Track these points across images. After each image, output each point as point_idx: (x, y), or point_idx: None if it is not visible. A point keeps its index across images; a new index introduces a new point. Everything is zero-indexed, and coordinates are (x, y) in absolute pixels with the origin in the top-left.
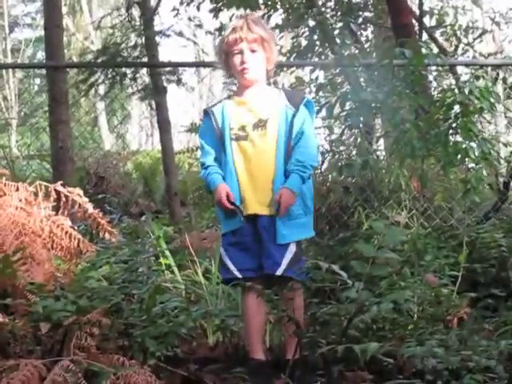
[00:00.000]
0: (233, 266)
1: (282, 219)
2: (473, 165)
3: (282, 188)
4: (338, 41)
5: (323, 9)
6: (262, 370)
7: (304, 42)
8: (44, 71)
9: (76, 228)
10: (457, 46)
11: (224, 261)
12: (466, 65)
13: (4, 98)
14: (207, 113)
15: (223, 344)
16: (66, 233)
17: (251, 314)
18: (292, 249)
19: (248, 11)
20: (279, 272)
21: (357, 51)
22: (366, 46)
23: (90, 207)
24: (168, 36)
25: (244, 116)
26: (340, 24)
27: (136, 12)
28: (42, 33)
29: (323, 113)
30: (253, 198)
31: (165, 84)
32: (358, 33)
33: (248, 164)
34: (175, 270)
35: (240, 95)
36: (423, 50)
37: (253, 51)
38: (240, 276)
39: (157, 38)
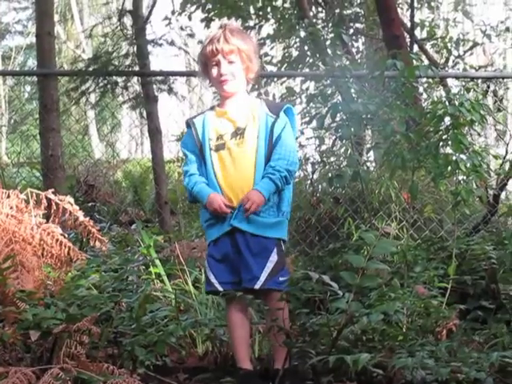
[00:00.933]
0: (214, 278)
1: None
2: (463, 177)
3: (251, 190)
4: (329, 52)
5: (314, 20)
6: (251, 380)
7: (295, 53)
8: (35, 79)
9: (66, 236)
10: (447, 59)
11: (207, 273)
12: (457, 77)
13: None
14: (188, 124)
15: (212, 353)
16: (57, 240)
17: (235, 327)
18: (273, 258)
19: (239, 21)
20: (257, 286)
21: (348, 62)
22: (357, 57)
23: (80, 215)
24: (160, 45)
25: (223, 126)
26: (331, 35)
27: (128, 21)
28: (33, 40)
29: (314, 123)
30: (234, 205)
31: (156, 93)
32: (350, 44)
33: (226, 173)
34: (165, 279)
35: (221, 106)
36: (414, 62)
37: (230, 62)
38: (221, 289)
39: (148, 47)
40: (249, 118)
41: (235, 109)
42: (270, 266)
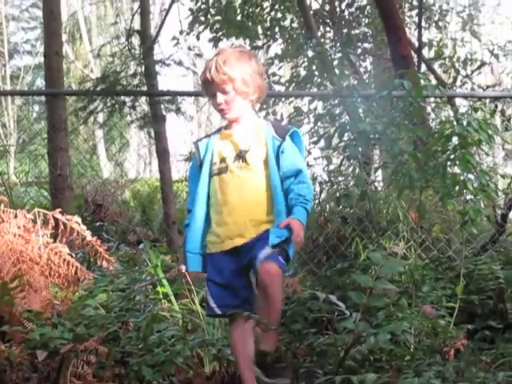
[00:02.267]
0: (213, 302)
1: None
2: (471, 196)
3: (290, 218)
4: (336, 71)
5: (322, 39)
6: None
7: (303, 73)
8: (43, 98)
9: (74, 255)
10: (455, 78)
11: (206, 297)
12: (465, 97)
13: (3, 125)
14: (194, 146)
15: (220, 373)
16: (64, 260)
17: (239, 349)
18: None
19: (247, 41)
20: (262, 256)
21: (355, 82)
22: (364, 76)
23: (88, 235)
24: (167, 65)
25: (226, 149)
26: (339, 55)
27: (136, 41)
28: (42, 60)
29: (322, 143)
30: (234, 231)
31: (164, 113)
32: (357, 64)
33: (228, 197)
34: (172, 298)
35: (228, 128)
36: (422, 82)
37: (224, 92)
38: (220, 313)
39: (156, 67)
40: (253, 140)
41: (241, 131)
42: (268, 249)
